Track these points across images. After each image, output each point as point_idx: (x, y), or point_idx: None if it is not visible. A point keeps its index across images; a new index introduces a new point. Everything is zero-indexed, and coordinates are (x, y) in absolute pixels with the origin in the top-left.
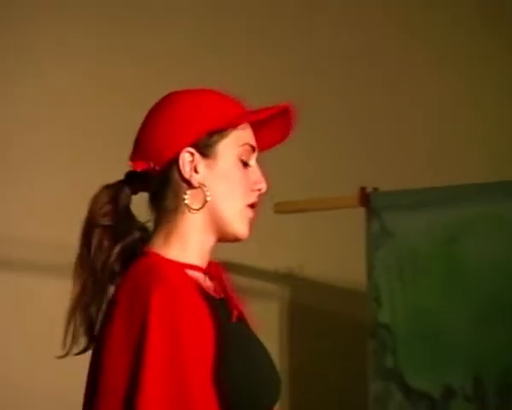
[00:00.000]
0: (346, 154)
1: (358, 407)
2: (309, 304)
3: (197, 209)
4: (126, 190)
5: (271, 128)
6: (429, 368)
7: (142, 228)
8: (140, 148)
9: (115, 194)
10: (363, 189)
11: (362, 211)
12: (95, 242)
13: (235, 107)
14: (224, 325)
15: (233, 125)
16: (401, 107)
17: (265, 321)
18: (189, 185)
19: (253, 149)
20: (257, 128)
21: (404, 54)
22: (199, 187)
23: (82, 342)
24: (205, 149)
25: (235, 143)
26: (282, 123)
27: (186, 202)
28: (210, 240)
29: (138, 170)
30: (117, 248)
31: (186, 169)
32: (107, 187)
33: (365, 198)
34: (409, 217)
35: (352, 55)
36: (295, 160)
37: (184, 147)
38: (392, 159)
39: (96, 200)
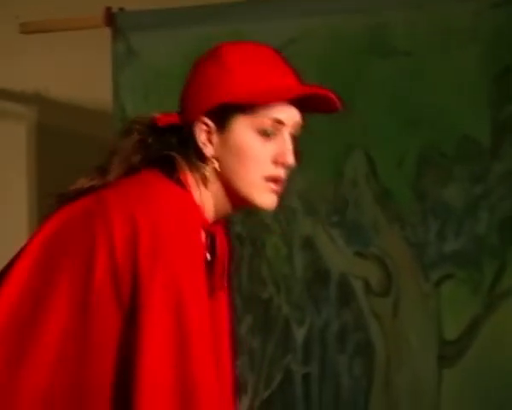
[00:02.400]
0: None
1: None
2: (56, 125)
3: (208, 181)
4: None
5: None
6: None
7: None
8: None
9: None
10: (108, 8)
11: (108, 31)
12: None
13: (271, 79)
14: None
15: (255, 102)
16: None
17: (13, 143)
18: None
19: (280, 122)
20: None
21: None
22: (211, 158)
23: None
24: (220, 120)
25: (251, 117)
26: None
27: (203, 171)
28: (226, 207)
29: (160, 124)
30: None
31: (201, 139)
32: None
33: (110, 18)
34: (153, 37)
35: None
36: None
37: (201, 114)
38: None
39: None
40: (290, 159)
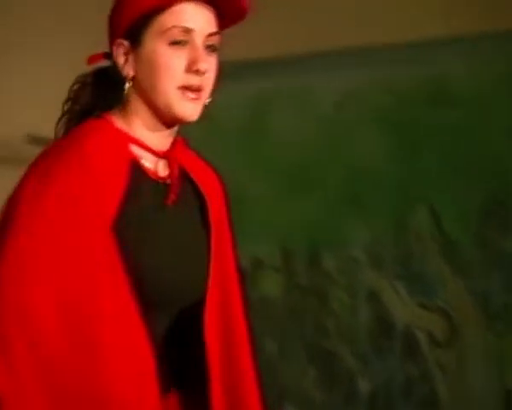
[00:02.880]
0: None
1: None
2: None
3: (132, 100)
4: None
5: (229, 11)
6: (238, 240)
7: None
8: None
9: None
10: None
11: None
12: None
13: None
14: (138, 207)
15: (153, 11)
16: None
17: None
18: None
19: (188, 30)
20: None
21: None
22: (128, 77)
23: None
24: (133, 37)
25: (159, 28)
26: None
27: (125, 91)
28: (159, 124)
29: (90, 63)
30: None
31: (119, 61)
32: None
33: None
34: (215, 90)
35: None
36: None
37: (118, 36)
38: None
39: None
40: (202, 65)
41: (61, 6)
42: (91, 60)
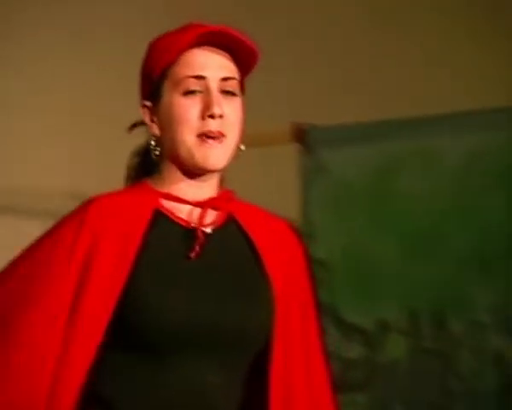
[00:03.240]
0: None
1: None
2: None
3: (164, 156)
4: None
5: (243, 56)
6: (364, 302)
7: None
8: None
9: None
10: (296, 124)
11: (292, 147)
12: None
13: (175, 40)
14: (157, 253)
15: (166, 65)
16: (336, 38)
17: None
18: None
19: (200, 77)
20: (236, 56)
21: None
22: (154, 136)
23: None
24: (154, 97)
25: (173, 81)
26: (246, 52)
27: (156, 152)
28: (190, 175)
29: (129, 131)
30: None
31: (146, 120)
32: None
33: (301, 134)
34: (343, 152)
35: None
36: None
37: (144, 98)
38: (323, 93)
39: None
40: (216, 109)
41: None
42: (131, 129)
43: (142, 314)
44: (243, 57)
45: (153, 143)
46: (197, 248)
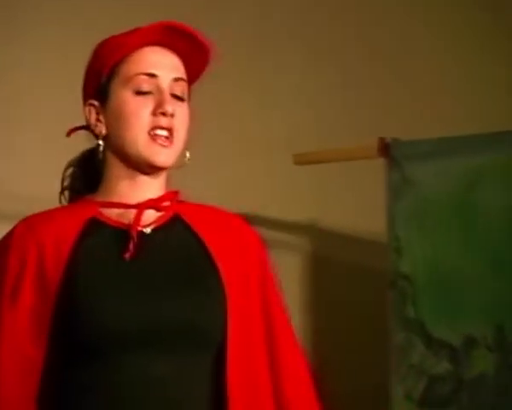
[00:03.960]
0: (360, 103)
1: (381, 357)
2: (330, 255)
3: (107, 159)
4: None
5: (194, 57)
6: (450, 317)
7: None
8: None
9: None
10: (382, 139)
11: (379, 161)
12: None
13: (122, 38)
14: (93, 258)
15: (114, 63)
16: (419, 55)
17: (287, 272)
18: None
19: (150, 75)
20: (186, 60)
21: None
22: (100, 135)
23: None
24: (101, 95)
25: (124, 78)
26: (199, 50)
27: (100, 149)
28: (135, 176)
29: (68, 135)
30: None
31: (91, 121)
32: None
33: (385, 148)
34: (428, 166)
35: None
36: (312, 110)
37: (89, 98)
38: (408, 107)
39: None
40: (168, 107)
41: None
42: (70, 132)
43: (79, 319)
44: (194, 57)
45: (101, 142)
46: (131, 248)
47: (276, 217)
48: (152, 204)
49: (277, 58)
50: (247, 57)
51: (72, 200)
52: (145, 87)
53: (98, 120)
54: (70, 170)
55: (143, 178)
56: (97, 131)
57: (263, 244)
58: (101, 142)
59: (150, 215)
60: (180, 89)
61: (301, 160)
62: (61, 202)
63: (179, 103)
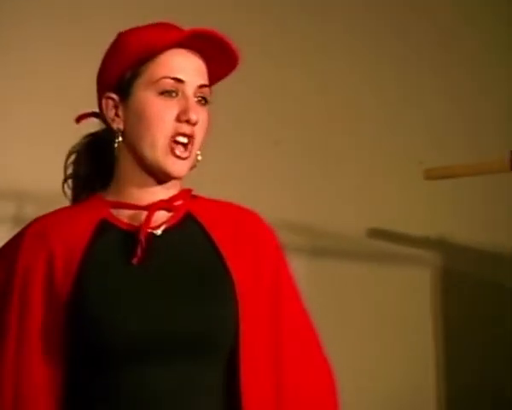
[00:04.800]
0: (489, 118)
1: (508, 367)
2: (460, 270)
3: (121, 156)
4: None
5: (220, 62)
6: None
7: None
8: None
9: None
10: None
11: (508, 175)
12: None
13: (150, 38)
14: (103, 262)
15: (141, 62)
16: None
17: (418, 287)
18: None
19: (179, 80)
20: (209, 61)
21: None
22: (118, 132)
23: None
24: (122, 90)
25: (149, 79)
26: (227, 57)
27: (115, 145)
28: (148, 177)
29: (78, 122)
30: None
31: (109, 115)
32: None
33: None
34: None
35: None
36: (441, 125)
37: (107, 90)
38: None
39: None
40: (193, 115)
41: None
42: (80, 118)
43: (89, 328)
44: (220, 62)
45: (120, 138)
46: (139, 252)
47: (406, 232)
48: (163, 205)
49: (408, 77)
50: (388, 76)
51: (76, 188)
52: (170, 91)
53: (116, 114)
54: (73, 157)
55: (156, 181)
56: (114, 126)
57: (277, 241)
58: (120, 138)
59: (161, 215)
60: (204, 94)
61: (432, 174)
62: (64, 190)
63: (202, 108)
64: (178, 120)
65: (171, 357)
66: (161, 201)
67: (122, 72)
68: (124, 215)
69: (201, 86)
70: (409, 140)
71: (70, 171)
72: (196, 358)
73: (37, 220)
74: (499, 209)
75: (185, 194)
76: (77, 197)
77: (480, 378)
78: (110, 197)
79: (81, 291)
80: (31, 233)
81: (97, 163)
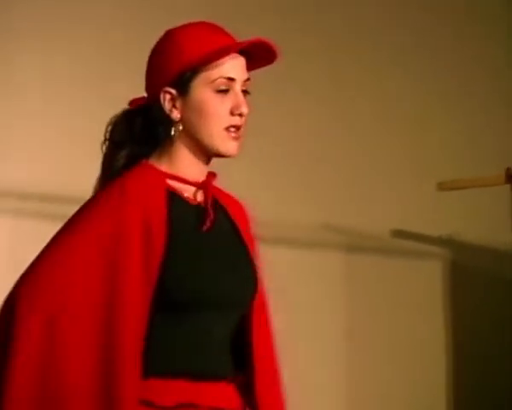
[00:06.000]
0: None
1: None
2: (468, 265)
3: (177, 139)
4: (135, 117)
5: (260, 59)
6: None
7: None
8: (145, 83)
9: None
10: (509, 169)
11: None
12: (108, 151)
13: (214, 42)
14: (181, 229)
15: (206, 62)
16: None
17: (430, 279)
18: (172, 119)
19: (231, 79)
20: (248, 55)
21: None
22: (179, 121)
23: None
24: (180, 87)
25: (206, 79)
26: (267, 54)
27: (172, 133)
28: (200, 159)
29: (131, 107)
30: (121, 158)
31: (166, 106)
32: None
33: (509, 178)
34: None
35: None
36: (453, 144)
37: (164, 86)
38: None
39: (111, 121)
40: (244, 109)
41: None
42: (133, 103)
43: (178, 285)
44: (260, 59)
45: (180, 127)
46: (208, 223)
47: (420, 231)
48: (210, 186)
49: (429, 99)
50: (410, 91)
51: (110, 151)
52: (224, 88)
53: (174, 106)
54: (111, 126)
55: (204, 161)
56: (173, 116)
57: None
58: (181, 127)
59: (200, 194)
60: (247, 87)
61: (443, 187)
62: (102, 151)
63: (246, 98)
64: (232, 113)
65: (229, 310)
66: (209, 181)
67: (182, 71)
68: (181, 188)
69: (246, 80)
70: (426, 158)
71: (108, 136)
72: (239, 311)
73: (127, 181)
74: (502, 212)
75: (215, 176)
76: (109, 160)
77: (489, 366)
78: (163, 168)
79: (172, 255)
80: (133, 189)
81: (132, 133)
